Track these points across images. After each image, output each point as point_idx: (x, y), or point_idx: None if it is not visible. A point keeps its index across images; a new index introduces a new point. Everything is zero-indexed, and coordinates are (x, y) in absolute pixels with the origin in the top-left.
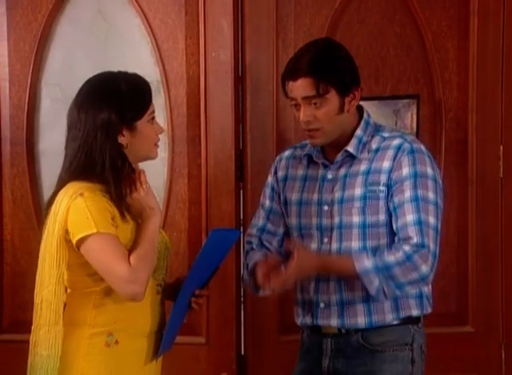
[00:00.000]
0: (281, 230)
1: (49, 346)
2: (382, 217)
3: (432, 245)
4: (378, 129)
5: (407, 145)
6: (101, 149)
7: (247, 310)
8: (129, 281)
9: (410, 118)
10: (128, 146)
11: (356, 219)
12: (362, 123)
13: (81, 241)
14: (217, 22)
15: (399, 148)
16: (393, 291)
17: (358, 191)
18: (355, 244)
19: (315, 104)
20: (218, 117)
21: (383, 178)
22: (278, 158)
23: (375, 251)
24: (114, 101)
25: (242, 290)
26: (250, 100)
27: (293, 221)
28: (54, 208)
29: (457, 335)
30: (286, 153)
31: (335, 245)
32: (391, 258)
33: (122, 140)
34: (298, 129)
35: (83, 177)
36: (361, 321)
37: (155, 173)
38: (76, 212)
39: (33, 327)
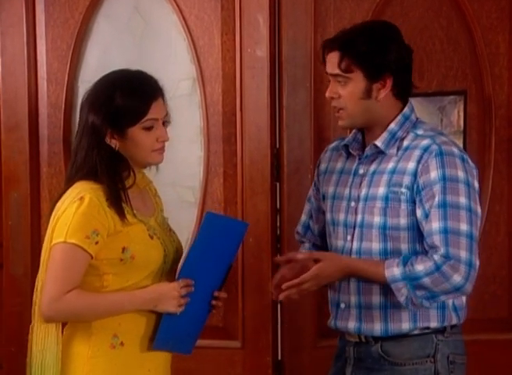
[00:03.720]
0: (321, 227)
1: (41, 341)
2: (404, 221)
3: (463, 254)
4: (416, 125)
5: (434, 147)
6: (93, 152)
7: (284, 313)
8: (50, 304)
9: (456, 115)
10: (120, 149)
11: (377, 219)
12: (399, 116)
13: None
14: (253, 17)
15: (426, 149)
16: (423, 300)
17: (381, 191)
18: (375, 245)
19: (339, 82)
20: (254, 115)
21: (406, 180)
22: (325, 149)
23: (407, 258)
24: (102, 106)
25: None
26: (287, 97)
27: (328, 216)
28: (58, 204)
29: (509, 342)
30: (333, 144)
31: (356, 244)
32: (420, 267)
33: (112, 142)
34: (337, 127)
35: (90, 177)
36: (377, 327)
37: (191, 172)
38: (64, 216)
39: (30, 326)
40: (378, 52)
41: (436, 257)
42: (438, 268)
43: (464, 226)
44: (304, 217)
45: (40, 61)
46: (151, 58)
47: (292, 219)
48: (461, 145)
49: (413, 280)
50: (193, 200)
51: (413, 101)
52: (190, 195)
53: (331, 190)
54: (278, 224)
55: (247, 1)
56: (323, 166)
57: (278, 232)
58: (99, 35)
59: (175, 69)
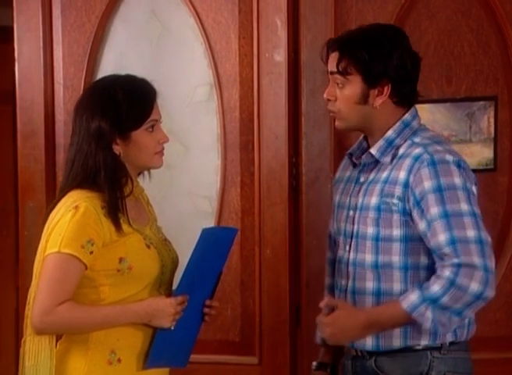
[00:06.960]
0: None
1: (33, 356)
2: (396, 232)
3: (476, 260)
4: (416, 132)
5: (426, 156)
6: (95, 158)
7: (302, 327)
8: (41, 316)
9: (486, 122)
10: (122, 155)
11: (370, 230)
12: (398, 123)
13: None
14: (271, 20)
15: (417, 158)
16: (452, 318)
17: (374, 201)
18: (368, 256)
19: (338, 84)
20: (271, 122)
21: (398, 191)
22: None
23: (419, 285)
24: (108, 110)
25: (297, 305)
26: (306, 104)
27: (334, 226)
28: (51, 215)
29: None
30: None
31: (352, 255)
32: (436, 287)
33: (115, 148)
34: (358, 134)
35: (85, 186)
36: (369, 342)
37: (208, 181)
38: (58, 226)
39: (22, 340)
40: (377, 58)
41: (447, 272)
42: (452, 282)
43: (470, 233)
44: (328, 228)
45: (57, 66)
46: (168, 63)
47: (311, 230)
48: (492, 153)
49: (433, 302)
50: (210, 210)
51: (440, 107)
52: (207, 205)
53: (337, 199)
54: (296, 235)
55: (265, 4)
56: (337, 176)
57: (296, 244)
58: (116, 39)
59: (192, 75)
